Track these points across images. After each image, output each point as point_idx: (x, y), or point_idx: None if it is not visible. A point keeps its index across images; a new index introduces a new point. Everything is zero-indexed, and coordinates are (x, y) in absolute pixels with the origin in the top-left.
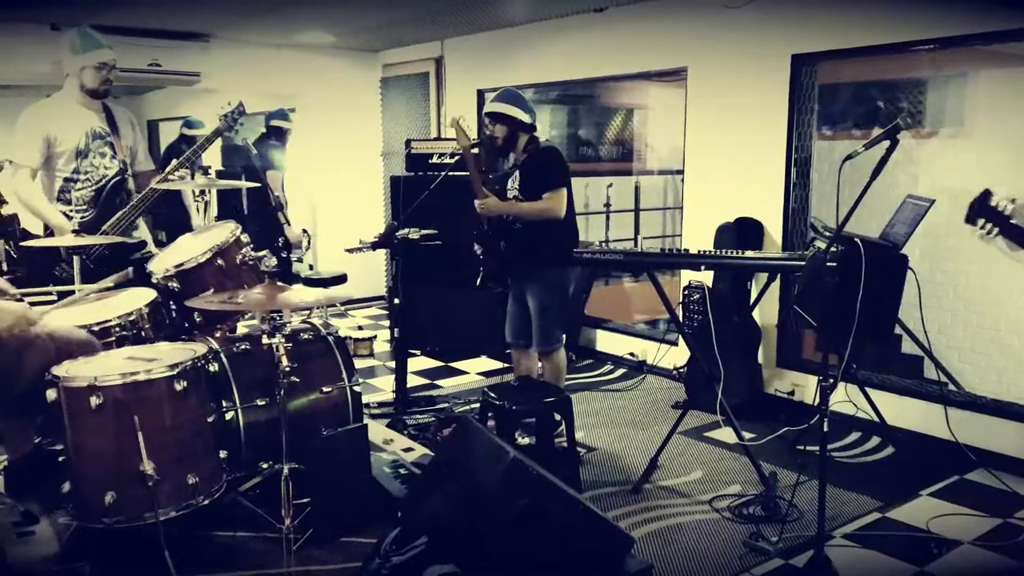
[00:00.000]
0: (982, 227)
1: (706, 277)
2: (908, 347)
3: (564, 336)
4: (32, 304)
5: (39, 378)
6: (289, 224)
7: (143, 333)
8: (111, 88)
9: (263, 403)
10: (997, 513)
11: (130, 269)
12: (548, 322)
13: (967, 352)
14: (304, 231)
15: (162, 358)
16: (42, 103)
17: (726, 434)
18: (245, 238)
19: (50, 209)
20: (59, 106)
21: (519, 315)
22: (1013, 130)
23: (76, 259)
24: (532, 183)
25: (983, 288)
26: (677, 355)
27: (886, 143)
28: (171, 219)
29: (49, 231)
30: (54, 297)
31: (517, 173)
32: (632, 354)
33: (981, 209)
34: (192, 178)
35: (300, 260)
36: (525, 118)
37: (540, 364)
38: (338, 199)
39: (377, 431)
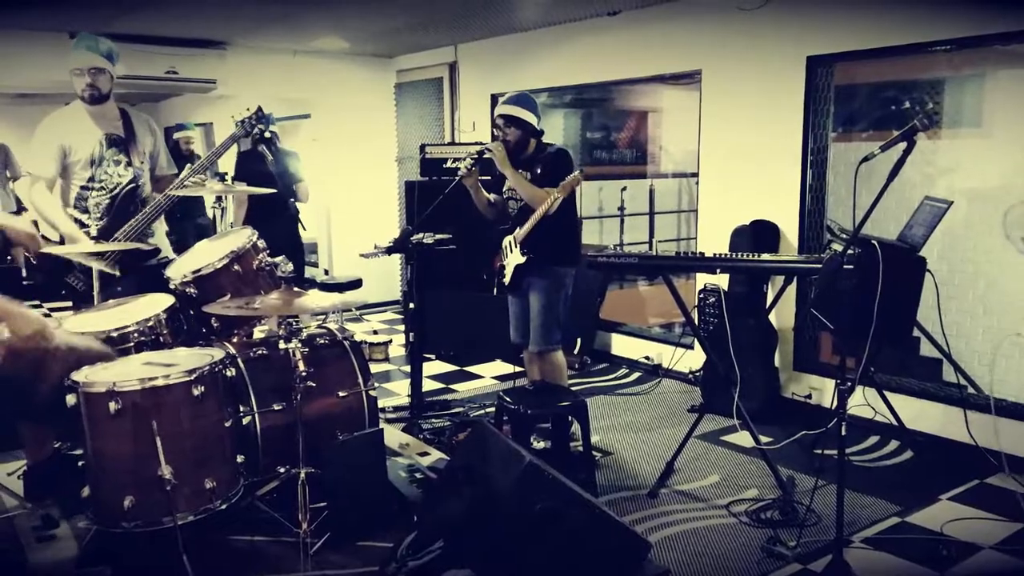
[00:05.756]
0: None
1: (722, 280)
2: (927, 350)
3: (561, 338)
4: (52, 311)
5: (59, 388)
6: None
7: (161, 339)
8: (98, 95)
9: (280, 408)
10: (1018, 518)
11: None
12: (549, 320)
13: (986, 355)
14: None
15: (180, 363)
16: (59, 112)
17: (743, 438)
18: (261, 243)
19: (63, 220)
20: (74, 114)
21: (523, 314)
22: None
23: (95, 266)
24: (544, 183)
25: (1002, 290)
26: (693, 359)
27: (903, 144)
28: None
29: (63, 240)
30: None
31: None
32: (647, 357)
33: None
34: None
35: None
36: (536, 122)
37: (535, 367)
38: (353, 204)
39: (393, 435)
